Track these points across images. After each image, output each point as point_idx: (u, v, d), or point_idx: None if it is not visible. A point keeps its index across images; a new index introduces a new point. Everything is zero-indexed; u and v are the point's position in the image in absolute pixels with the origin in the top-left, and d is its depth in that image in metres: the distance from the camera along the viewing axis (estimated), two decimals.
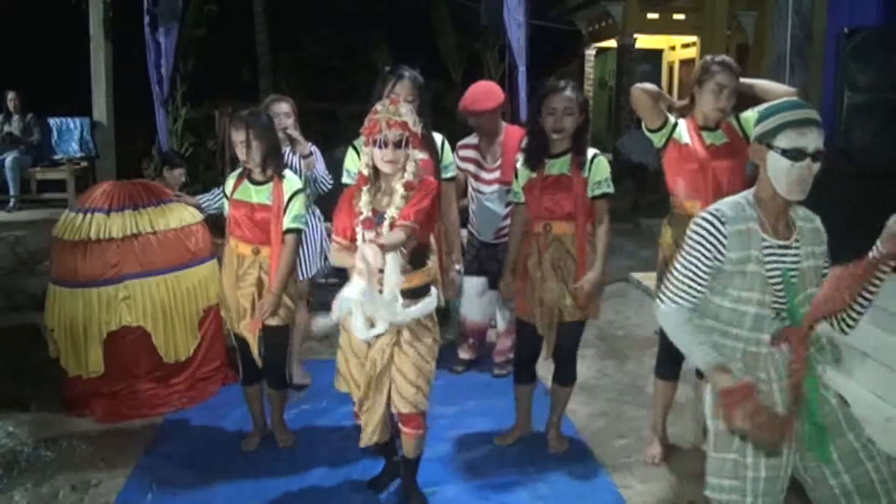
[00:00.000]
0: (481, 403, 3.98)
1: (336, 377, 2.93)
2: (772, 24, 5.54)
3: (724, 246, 1.99)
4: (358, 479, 3.22)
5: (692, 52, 14.44)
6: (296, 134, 3.93)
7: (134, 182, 4.23)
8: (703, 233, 2.01)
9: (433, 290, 2.83)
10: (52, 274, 4.01)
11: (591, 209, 3.18)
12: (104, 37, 7.66)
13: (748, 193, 2.08)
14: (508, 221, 4.01)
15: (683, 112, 3.15)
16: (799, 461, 2.10)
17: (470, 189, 4.27)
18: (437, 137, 3.42)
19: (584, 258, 3.18)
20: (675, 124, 3.12)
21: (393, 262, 2.52)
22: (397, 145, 2.63)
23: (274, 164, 3.25)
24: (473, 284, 4.32)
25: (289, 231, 3.22)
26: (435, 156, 3.33)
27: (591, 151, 3.21)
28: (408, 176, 2.69)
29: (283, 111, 3.92)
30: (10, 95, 8.24)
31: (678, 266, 2.06)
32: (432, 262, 2.85)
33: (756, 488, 2.04)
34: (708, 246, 2.01)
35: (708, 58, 3.13)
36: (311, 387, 4.19)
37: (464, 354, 4.52)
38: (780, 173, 1.97)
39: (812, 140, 1.96)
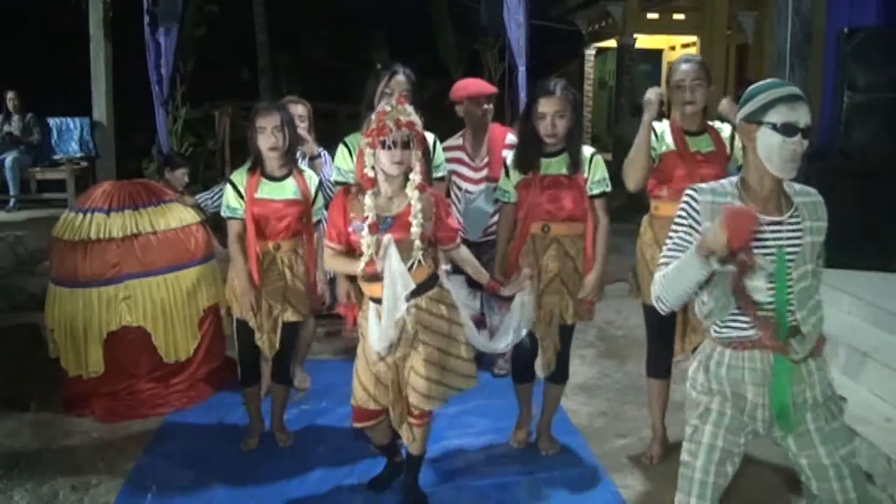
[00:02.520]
0: (481, 403, 3.98)
1: (354, 387, 2.86)
2: (772, 24, 5.55)
3: (697, 213, 2.03)
4: (358, 479, 3.21)
5: (692, 53, 14.44)
6: (305, 135, 3.91)
7: (134, 182, 4.23)
8: (683, 206, 2.08)
9: (445, 281, 2.83)
10: (52, 274, 4.01)
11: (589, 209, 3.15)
12: (104, 37, 7.65)
13: (732, 178, 2.10)
14: (496, 219, 4.02)
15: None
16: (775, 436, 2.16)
17: (454, 190, 4.16)
18: (429, 137, 3.40)
19: (591, 260, 3.17)
20: (658, 141, 3.09)
21: (402, 274, 2.58)
22: (405, 146, 2.60)
23: (293, 156, 3.31)
24: (455, 282, 4.28)
25: (317, 223, 3.34)
26: (426, 155, 3.32)
27: (588, 150, 3.18)
28: (416, 177, 2.66)
29: (297, 113, 3.89)
30: (10, 95, 8.23)
31: (667, 241, 2.12)
32: (428, 256, 2.81)
33: (711, 456, 2.11)
34: (685, 217, 2.06)
35: (673, 61, 3.15)
36: (311, 387, 4.19)
37: None
38: (773, 150, 1.97)
39: (802, 115, 1.96)
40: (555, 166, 3.13)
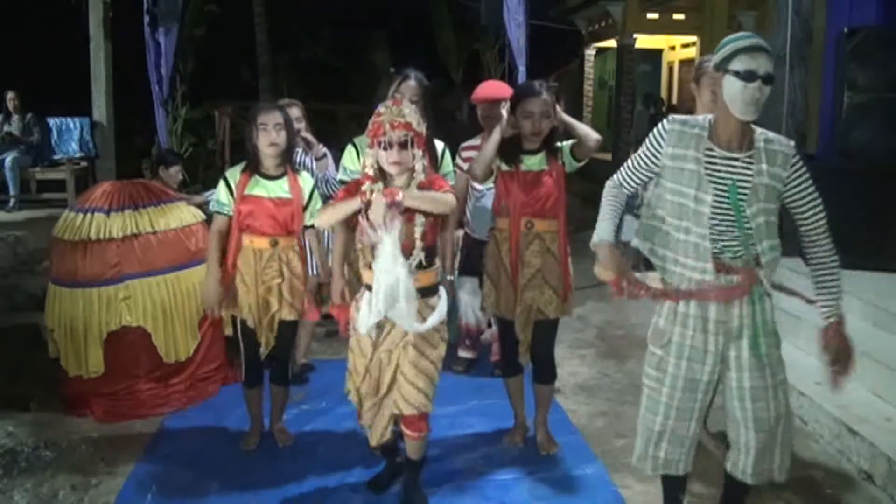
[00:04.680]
0: (481, 403, 3.98)
1: (347, 378, 2.89)
2: (772, 24, 5.55)
3: (663, 140, 2.34)
4: (358, 479, 3.21)
5: (692, 52, 14.46)
6: (310, 136, 4.02)
7: (134, 182, 4.23)
8: (654, 132, 2.40)
9: (441, 290, 2.83)
10: (52, 274, 4.01)
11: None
12: (104, 37, 7.66)
13: (708, 115, 2.38)
14: None
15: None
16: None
17: (469, 188, 4.26)
18: (439, 145, 3.42)
19: (567, 254, 3.25)
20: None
21: (405, 272, 2.60)
22: (402, 146, 2.62)
23: (290, 157, 3.32)
24: (466, 284, 4.31)
25: (312, 227, 3.31)
26: (434, 162, 3.33)
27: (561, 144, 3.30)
28: (418, 177, 2.69)
29: (295, 115, 4.00)
30: (10, 95, 8.24)
31: (632, 157, 2.47)
32: (438, 262, 2.84)
33: (674, 384, 2.39)
34: (652, 140, 2.39)
35: (702, 57, 3.22)
36: (311, 387, 4.19)
37: (464, 354, 4.53)
38: (735, 95, 2.21)
39: (762, 64, 2.20)
40: (537, 163, 3.22)
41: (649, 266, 3.27)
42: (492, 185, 4.12)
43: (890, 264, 4.66)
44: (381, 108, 2.66)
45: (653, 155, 2.38)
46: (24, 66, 11.34)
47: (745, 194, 2.26)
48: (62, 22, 10.03)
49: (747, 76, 2.18)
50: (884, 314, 4.08)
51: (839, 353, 2.29)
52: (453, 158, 3.70)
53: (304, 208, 3.29)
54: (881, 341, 3.92)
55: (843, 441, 3.39)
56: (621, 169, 2.51)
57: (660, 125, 2.37)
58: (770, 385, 2.35)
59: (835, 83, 5.24)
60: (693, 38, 14.20)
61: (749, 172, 2.26)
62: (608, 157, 14.22)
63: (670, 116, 2.39)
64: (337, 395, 3.99)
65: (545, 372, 3.39)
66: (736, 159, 2.27)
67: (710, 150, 2.29)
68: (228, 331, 4.24)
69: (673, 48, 16.10)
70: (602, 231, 2.45)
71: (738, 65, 2.19)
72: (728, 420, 2.45)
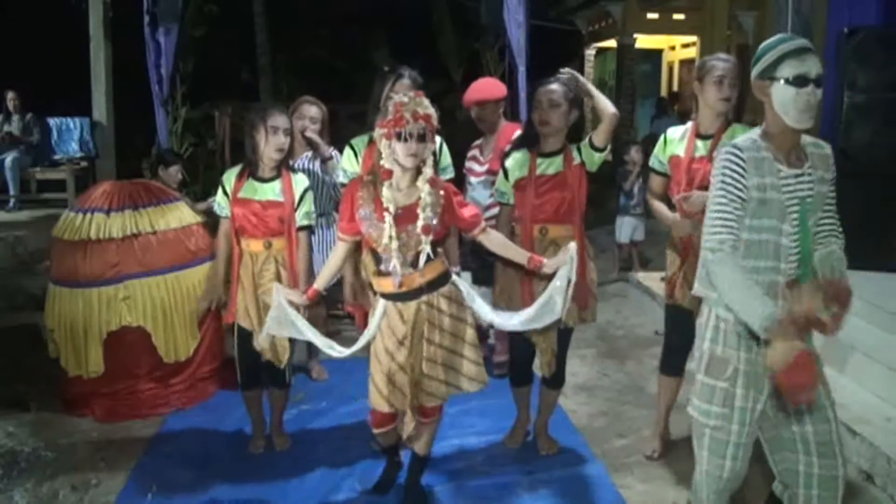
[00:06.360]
0: (481, 403, 3.97)
1: (375, 395, 2.80)
2: (772, 24, 5.54)
3: (744, 171, 2.06)
4: (358, 479, 3.22)
5: (692, 52, 14.44)
6: (316, 137, 3.89)
7: (134, 182, 4.24)
8: (726, 164, 2.08)
9: (454, 275, 2.84)
10: (52, 274, 4.01)
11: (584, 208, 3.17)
12: (104, 37, 7.65)
13: (756, 131, 2.15)
14: (491, 213, 4.03)
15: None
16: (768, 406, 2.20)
17: (466, 186, 4.30)
18: (436, 139, 3.41)
19: (585, 260, 3.17)
20: (665, 146, 3.20)
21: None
22: (420, 139, 2.58)
23: (286, 159, 3.30)
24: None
25: (302, 228, 3.25)
26: (433, 156, 3.33)
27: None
28: (428, 171, 2.66)
29: (310, 114, 3.92)
30: (10, 95, 8.25)
31: (713, 205, 2.09)
32: (441, 252, 2.81)
33: (743, 418, 2.15)
34: (733, 174, 2.06)
35: (704, 58, 3.22)
36: (312, 387, 4.19)
37: None
38: (788, 103, 2.04)
39: (813, 66, 2.04)
40: (554, 166, 3.14)
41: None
42: (484, 178, 4.16)
43: (890, 264, 4.65)
44: (403, 98, 2.61)
45: (742, 188, 2.05)
46: (24, 66, 11.34)
47: (810, 209, 2.09)
48: (62, 22, 10.02)
49: (799, 81, 2.02)
50: (884, 314, 4.07)
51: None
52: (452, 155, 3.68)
53: (296, 209, 3.23)
54: (881, 341, 3.91)
55: (843, 441, 3.38)
56: (715, 227, 2.07)
57: (733, 157, 2.07)
58: (828, 404, 2.22)
59: (835, 83, 5.23)
60: (693, 38, 14.17)
61: (812, 184, 2.10)
62: (608, 157, 14.21)
63: (735, 143, 2.11)
64: (337, 395, 4.00)
65: (555, 377, 3.35)
66: (802, 175, 2.09)
67: (780, 171, 2.08)
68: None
69: (673, 48, 16.08)
70: (766, 307, 1.94)
71: (786, 70, 2.03)
72: (777, 445, 2.25)
